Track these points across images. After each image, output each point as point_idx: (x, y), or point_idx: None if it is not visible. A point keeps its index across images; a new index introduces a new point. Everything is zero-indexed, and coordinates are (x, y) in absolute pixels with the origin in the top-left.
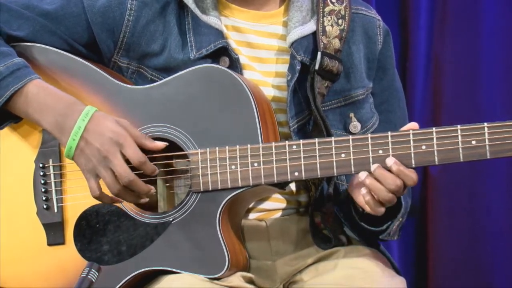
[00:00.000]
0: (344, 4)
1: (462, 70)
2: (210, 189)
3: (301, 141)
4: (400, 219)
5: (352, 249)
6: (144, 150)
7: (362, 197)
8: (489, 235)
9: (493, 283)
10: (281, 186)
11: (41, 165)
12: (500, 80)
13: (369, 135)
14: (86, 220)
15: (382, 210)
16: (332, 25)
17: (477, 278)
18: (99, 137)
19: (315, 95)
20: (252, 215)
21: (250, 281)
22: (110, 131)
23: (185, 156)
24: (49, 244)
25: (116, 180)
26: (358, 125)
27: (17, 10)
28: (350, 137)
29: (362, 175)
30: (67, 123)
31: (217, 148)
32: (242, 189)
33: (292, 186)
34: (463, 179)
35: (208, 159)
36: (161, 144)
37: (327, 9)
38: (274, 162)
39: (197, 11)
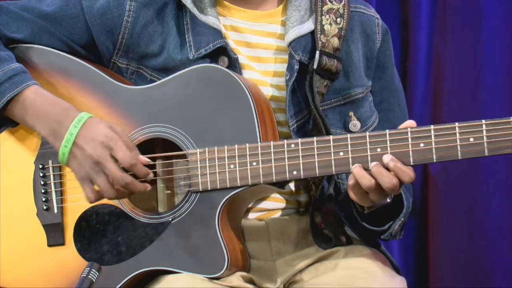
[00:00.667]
0: (343, 2)
1: (463, 70)
2: (209, 188)
3: (299, 140)
4: (402, 219)
5: (353, 249)
6: (144, 152)
7: (351, 192)
8: (490, 234)
9: (493, 282)
10: (280, 185)
11: (40, 166)
12: (501, 79)
13: (367, 133)
14: (86, 221)
15: (369, 203)
16: (330, 24)
17: (478, 277)
18: (91, 143)
19: (314, 94)
20: (252, 215)
21: (250, 281)
22: (101, 135)
23: (184, 156)
24: (49, 245)
25: (110, 185)
26: (358, 124)
27: (16, 12)
28: (348, 135)
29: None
30: (60, 129)
31: (215, 147)
32: (241, 189)
33: (292, 185)
34: (463, 178)
35: (207, 159)
36: (147, 160)
37: (325, 8)
38: (273, 161)
39: (195, 11)
